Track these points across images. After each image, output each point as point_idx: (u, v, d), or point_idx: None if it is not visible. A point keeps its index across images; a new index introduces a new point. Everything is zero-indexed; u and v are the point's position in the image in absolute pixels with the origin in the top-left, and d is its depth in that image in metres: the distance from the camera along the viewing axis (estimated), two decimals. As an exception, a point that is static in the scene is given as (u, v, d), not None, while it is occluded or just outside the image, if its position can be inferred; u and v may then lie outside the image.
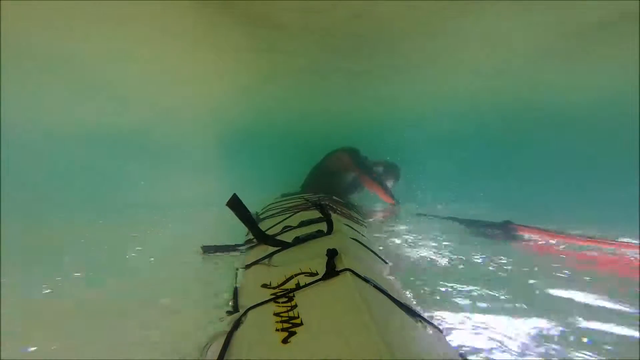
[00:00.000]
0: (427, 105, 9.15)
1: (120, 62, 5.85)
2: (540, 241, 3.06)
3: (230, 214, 1.49)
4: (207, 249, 2.16)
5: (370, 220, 3.78)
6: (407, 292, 1.66)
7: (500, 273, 2.26)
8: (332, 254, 1.15)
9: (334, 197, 3.69)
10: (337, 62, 5.87)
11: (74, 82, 6.62)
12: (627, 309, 1.71)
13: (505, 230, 3.25)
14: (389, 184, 4.84)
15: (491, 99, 8.40)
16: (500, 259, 2.52)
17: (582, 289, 1.94)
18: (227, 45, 5.12)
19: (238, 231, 2.35)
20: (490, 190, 6.95)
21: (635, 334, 1.45)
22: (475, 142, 11.27)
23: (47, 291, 1.77)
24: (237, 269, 1.56)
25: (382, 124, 10.85)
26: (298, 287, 1.04)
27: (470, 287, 1.91)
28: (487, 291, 1.87)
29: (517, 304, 1.72)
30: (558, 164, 10.02)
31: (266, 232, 2.07)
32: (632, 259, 2.60)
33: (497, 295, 1.83)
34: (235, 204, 1.45)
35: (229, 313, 1.12)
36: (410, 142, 10.19)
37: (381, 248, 2.43)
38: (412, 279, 1.96)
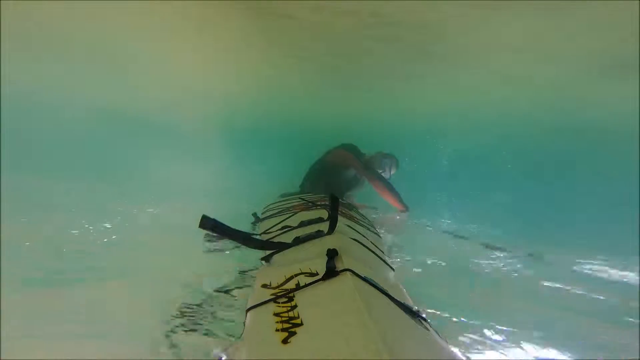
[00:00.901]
0: (447, 112, 8.90)
1: (131, 48, 5.83)
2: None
3: (233, 204, 1.42)
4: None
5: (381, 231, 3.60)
6: (408, 293, 1.66)
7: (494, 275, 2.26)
8: (332, 254, 1.16)
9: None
10: (353, 63, 5.78)
11: (84, 62, 6.60)
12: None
13: None
14: (391, 173, 4.70)
15: (523, 111, 7.97)
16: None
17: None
18: (238, 40, 5.09)
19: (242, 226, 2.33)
20: (503, 209, 6.55)
21: None
22: (498, 155, 10.71)
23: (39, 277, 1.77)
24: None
25: (395, 128, 10.64)
26: (298, 287, 1.04)
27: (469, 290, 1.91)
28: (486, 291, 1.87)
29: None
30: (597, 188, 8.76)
31: (265, 232, 2.07)
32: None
33: (497, 295, 1.84)
34: (209, 224, 1.32)
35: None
36: (427, 149, 9.89)
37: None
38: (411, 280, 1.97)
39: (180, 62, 6.59)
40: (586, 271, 2.64)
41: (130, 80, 7.86)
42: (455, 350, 1.07)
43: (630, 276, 2.55)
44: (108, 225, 2.90)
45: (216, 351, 1.07)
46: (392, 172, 4.75)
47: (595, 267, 2.74)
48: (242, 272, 1.80)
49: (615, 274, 2.60)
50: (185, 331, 1.28)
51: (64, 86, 8.17)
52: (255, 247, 1.54)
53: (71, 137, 8.19)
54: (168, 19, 4.64)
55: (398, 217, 4.00)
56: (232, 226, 1.43)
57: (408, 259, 2.56)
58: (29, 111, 8.60)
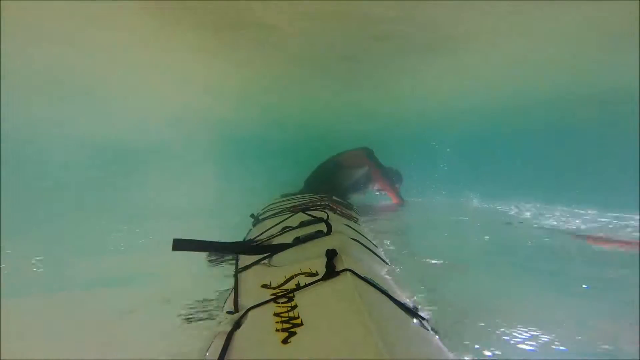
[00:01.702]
0: (450, 101, 8.79)
1: (116, 68, 5.84)
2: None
3: (234, 216, 1.44)
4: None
5: (373, 217, 3.72)
6: (407, 292, 1.66)
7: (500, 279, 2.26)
8: (331, 254, 1.16)
9: (334, 197, 3.69)
10: (351, 64, 5.78)
11: (68, 91, 6.61)
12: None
13: None
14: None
15: (534, 92, 7.73)
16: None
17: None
18: (227, 47, 5.11)
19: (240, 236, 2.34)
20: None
21: None
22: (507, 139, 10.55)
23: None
24: (235, 273, 1.53)
25: (395, 124, 10.58)
26: (298, 287, 1.04)
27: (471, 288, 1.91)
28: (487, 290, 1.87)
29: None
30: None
31: (265, 233, 2.07)
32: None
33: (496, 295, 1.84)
34: (181, 245, 1.39)
35: (230, 313, 1.12)
36: (426, 144, 9.84)
37: (382, 248, 2.43)
38: (412, 279, 1.97)
39: (174, 75, 6.60)
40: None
41: (122, 103, 7.85)
42: (455, 350, 1.08)
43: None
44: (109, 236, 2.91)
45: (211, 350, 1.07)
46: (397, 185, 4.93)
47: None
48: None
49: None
50: (183, 330, 1.28)
51: (50, 120, 8.15)
52: (249, 253, 1.55)
53: (75, 175, 8.18)
54: (153, 36, 4.65)
55: (395, 209, 4.35)
56: (233, 225, 1.43)
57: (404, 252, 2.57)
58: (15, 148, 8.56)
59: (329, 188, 4.16)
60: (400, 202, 4.66)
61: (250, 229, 2.60)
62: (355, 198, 4.66)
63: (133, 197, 5.90)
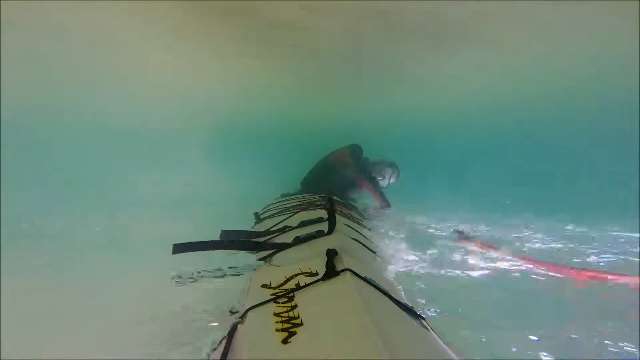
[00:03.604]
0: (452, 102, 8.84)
1: (124, 58, 5.84)
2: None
3: (236, 210, 1.44)
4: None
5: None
6: (407, 292, 1.66)
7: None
8: (331, 254, 1.16)
9: (334, 197, 3.69)
10: (345, 60, 5.78)
11: (76, 77, 6.61)
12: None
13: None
14: (390, 182, 4.77)
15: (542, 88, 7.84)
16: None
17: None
18: (231, 43, 5.10)
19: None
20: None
21: None
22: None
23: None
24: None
25: (394, 123, 10.57)
26: (298, 287, 1.04)
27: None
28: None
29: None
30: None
31: (265, 232, 2.07)
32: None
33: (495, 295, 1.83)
34: (180, 248, 1.44)
35: (230, 313, 1.12)
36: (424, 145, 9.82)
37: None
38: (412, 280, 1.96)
39: (177, 72, 6.62)
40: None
41: (127, 94, 7.89)
42: (455, 350, 1.08)
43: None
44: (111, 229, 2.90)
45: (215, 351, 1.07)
46: (392, 181, 4.85)
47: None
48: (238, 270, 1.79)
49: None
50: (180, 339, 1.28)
51: (52, 97, 8.20)
52: (253, 251, 1.55)
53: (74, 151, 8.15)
54: (161, 28, 4.65)
55: (380, 210, 4.28)
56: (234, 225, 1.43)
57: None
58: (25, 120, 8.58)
59: (324, 188, 4.13)
60: (384, 204, 4.35)
61: (252, 228, 2.60)
62: (353, 198, 4.63)
63: (127, 189, 5.84)
